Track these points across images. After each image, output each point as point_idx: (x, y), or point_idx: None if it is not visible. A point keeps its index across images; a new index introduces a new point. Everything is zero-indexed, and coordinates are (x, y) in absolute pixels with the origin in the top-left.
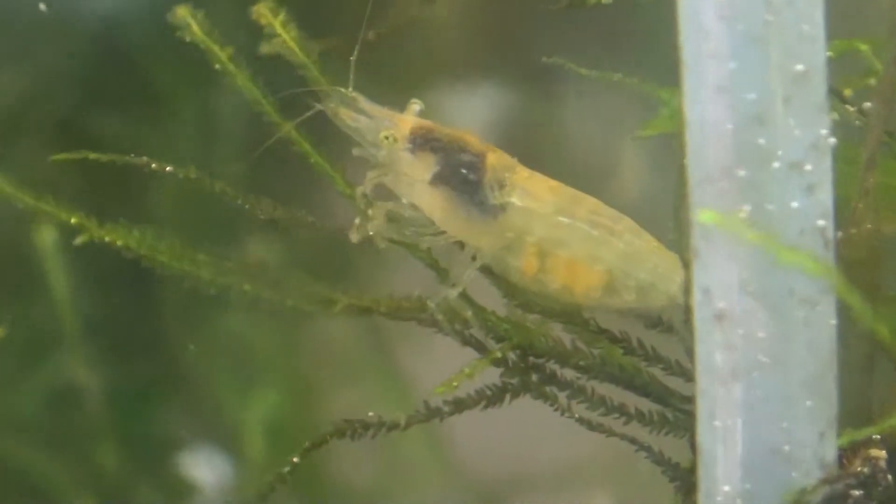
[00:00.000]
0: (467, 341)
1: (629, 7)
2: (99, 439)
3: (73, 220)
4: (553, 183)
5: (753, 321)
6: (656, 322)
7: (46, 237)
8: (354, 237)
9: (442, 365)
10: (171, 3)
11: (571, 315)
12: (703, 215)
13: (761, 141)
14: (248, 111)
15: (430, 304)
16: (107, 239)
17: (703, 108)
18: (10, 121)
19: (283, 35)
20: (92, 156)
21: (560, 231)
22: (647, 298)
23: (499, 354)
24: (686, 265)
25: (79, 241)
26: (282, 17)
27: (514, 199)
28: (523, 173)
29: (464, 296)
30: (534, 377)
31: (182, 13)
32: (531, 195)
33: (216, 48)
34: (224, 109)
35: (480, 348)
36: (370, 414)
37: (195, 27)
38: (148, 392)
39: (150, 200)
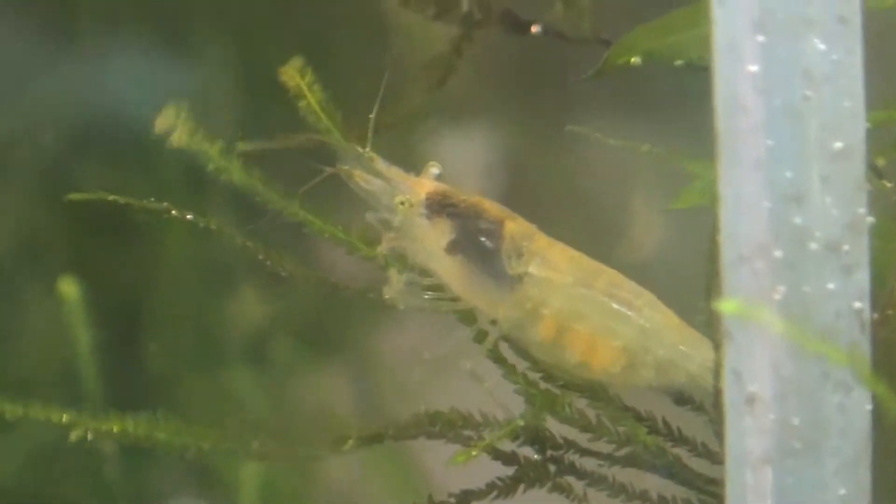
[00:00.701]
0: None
1: (661, 72)
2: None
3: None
4: (573, 253)
5: (786, 406)
6: (687, 399)
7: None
8: (387, 294)
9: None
10: None
11: (596, 390)
12: (726, 305)
13: (798, 220)
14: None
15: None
16: (102, 429)
17: (739, 184)
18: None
19: (309, 98)
20: (111, 198)
21: (578, 304)
22: (667, 376)
23: (521, 422)
24: (717, 346)
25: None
26: (308, 78)
27: (532, 269)
28: (542, 242)
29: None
30: (551, 468)
31: (165, 119)
32: (549, 265)
33: (207, 147)
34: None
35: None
36: None
37: (180, 134)
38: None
39: (140, 246)
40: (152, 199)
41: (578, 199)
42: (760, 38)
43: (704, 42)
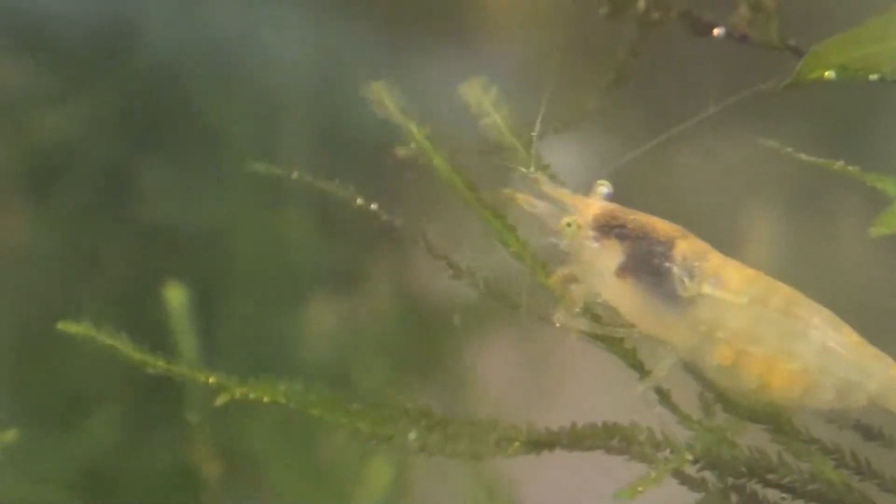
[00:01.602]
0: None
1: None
2: None
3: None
4: (749, 271)
5: None
6: (876, 434)
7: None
8: (559, 321)
9: None
10: None
11: (778, 420)
12: None
13: None
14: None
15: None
16: (251, 396)
17: None
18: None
19: (494, 116)
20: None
21: (754, 325)
22: (847, 398)
23: (689, 457)
24: None
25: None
26: (493, 95)
27: (706, 290)
28: (716, 260)
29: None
30: (733, 499)
31: (377, 88)
32: (724, 285)
33: (413, 127)
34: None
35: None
36: None
37: (390, 104)
38: None
39: (203, 259)
40: None
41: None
42: None
43: None
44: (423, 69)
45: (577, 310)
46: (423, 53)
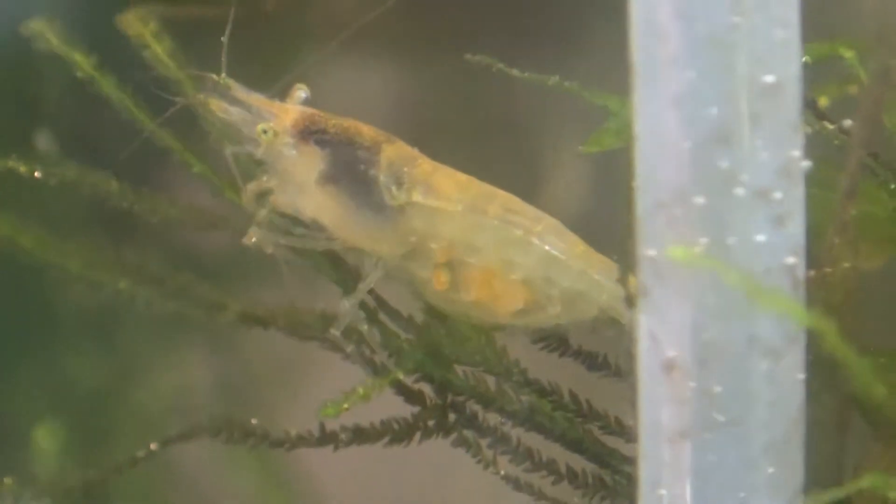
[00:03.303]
0: (371, 366)
1: None
2: None
3: None
4: (462, 177)
5: (708, 373)
6: (601, 364)
7: None
8: (249, 240)
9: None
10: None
11: (490, 361)
12: (673, 252)
13: (723, 163)
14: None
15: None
16: None
17: (657, 122)
18: None
19: (155, 48)
20: None
21: (470, 233)
22: (576, 310)
23: (399, 375)
24: (630, 304)
25: None
26: (152, 27)
27: (416, 197)
28: (426, 167)
29: (363, 308)
30: (451, 416)
31: (37, 25)
32: (435, 192)
33: (79, 57)
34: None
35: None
36: (253, 421)
37: (52, 38)
38: None
39: None
40: None
41: (483, 138)
42: None
43: None
44: None
45: (265, 224)
46: None
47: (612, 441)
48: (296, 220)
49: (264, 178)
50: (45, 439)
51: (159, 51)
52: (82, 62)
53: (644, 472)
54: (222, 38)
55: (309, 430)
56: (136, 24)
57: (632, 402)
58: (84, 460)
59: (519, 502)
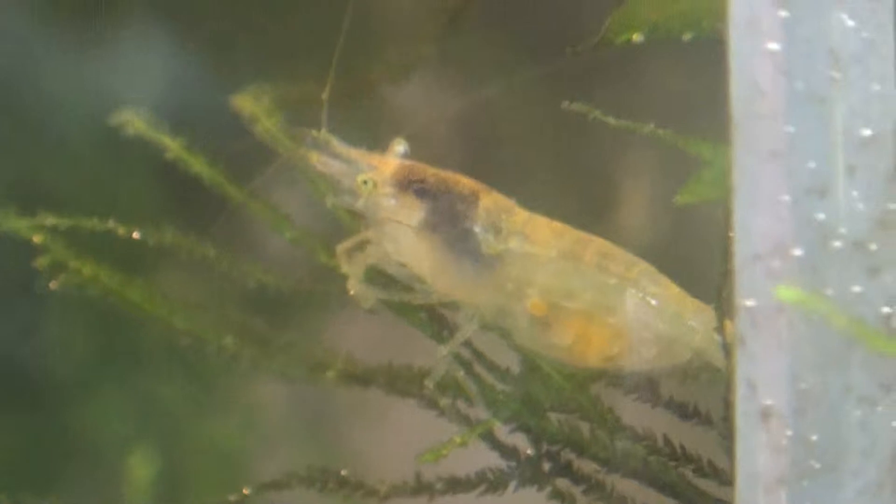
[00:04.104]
0: (465, 422)
1: (668, 47)
2: None
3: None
4: (556, 225)
5: (804, 421)
6: (693, 413)
7: None
8: (352, 289)
9: None
10: None
11: (585, 408)
12: (783, 292)
13: (820, 216)
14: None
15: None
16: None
17: (755, 175)
18: None
19: (266, 125)
20: None
21: (566, 279)
22: (669, 355)
23: (497, 423)
24: (728, 353)
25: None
26: (266, 104)
27: (512, 246)
28: (522, 215)
29: (459, 360)
30: (545, 466)
31: (125, 115)
32: (531, 240)
33: (167, 140)
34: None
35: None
36: (343, 472)
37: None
38: None
39: None
40: None
41: (574, 184)
42: (782, 13)
43: (719, 14)
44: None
45: (357, 279)
46: None
47: (704, 484)
48: (392, 276)
49: (361, 233)
50: (139, 468)
51: (269, 125)
52: (171, 145)
53: None
54: (322, 96)
55: (404, 480)
56: (250, 103)
57: (725, 449)
58: (171, 494)
59: None
